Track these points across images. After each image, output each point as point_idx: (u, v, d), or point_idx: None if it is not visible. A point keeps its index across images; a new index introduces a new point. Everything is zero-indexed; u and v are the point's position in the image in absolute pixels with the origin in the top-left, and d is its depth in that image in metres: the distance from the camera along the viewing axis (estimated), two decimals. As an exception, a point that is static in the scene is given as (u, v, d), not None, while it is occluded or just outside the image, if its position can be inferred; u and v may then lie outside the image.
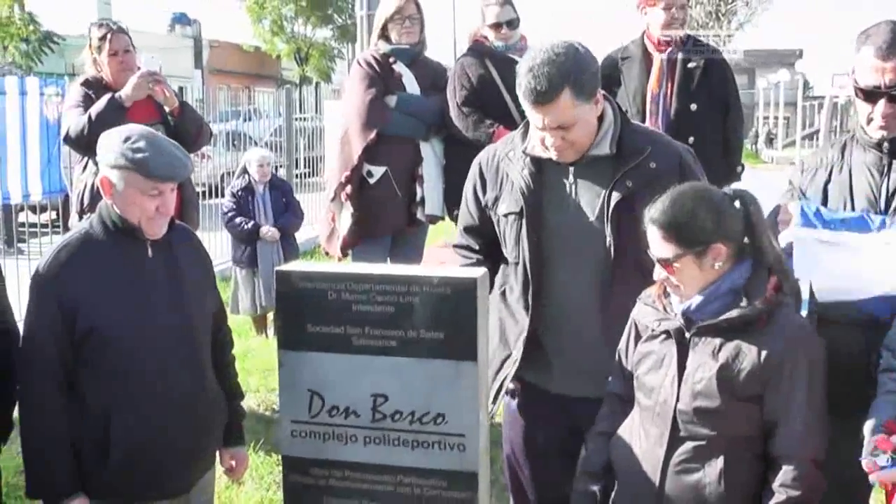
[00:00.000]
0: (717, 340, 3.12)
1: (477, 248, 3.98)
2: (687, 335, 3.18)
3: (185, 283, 3.58)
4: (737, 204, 3.17)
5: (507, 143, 3.83)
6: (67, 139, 5.71)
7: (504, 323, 3.84)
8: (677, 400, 3.15)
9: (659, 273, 3.19)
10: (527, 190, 3.64)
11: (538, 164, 3.66)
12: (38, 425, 3.38)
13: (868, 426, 3.03)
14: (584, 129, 3.52)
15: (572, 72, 3.40)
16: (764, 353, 3.04)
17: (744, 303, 3.10)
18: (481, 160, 3.90)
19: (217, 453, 3.87)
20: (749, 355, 3.05)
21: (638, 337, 3.40)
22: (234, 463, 3.93)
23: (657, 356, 3.27)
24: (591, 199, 3.61)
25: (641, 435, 3.32)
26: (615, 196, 3.53)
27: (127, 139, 3.38)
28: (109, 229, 3.44)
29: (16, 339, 3.49)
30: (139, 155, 3.32)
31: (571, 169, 3.62)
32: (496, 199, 3.78)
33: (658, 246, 3.14)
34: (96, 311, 3.35)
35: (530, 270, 3.66)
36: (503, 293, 3.84)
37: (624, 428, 3.43)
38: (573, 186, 3.63)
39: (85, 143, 5.42)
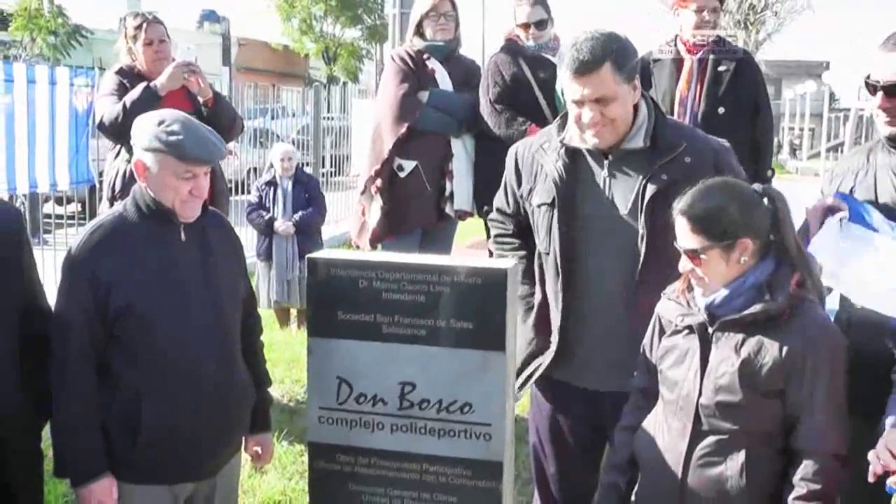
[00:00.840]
0: (740, 336, 3.12)
1: (519, 239, 4.02)
2: (710, 330, 3.19)
3: (218, 268, 3.59)
4: (765, 201, 3.18)
5: (543, 135, 3.85)
6: (101, 126, 5.75)
7: (540, 310, 3.86)
8: (700, 394, 3.16)
9: (685, 265, 3.20)
10: (560, 180, 3.65)
11: (573, 156, 3.68)
12: (68, 404, 3.39)
13: (889, 422, 3.03)
14: (622, 108, 3.54)
15: (615, 49, 3.48)
16: (786, 348, 3.04)
17: (767, 298, 3.11)
18: (517, 152, 3.92)
19: (243, 439, 3.88)
20: (771, 350, 3.06)
21: (662, 332, 3.41)
22: (259, 449, 3.94)
23: (680, 351, 3.27)
24: (625, 191, 3.62)
25: (664, 429, 3.33)
26: (650, 188, 3.54)
27: (161, 122, 3.40)
28: (143, 212, 3.46)
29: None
30: (173, 138, 3.35)
31: (606, 162, 3.64)
32: (530, 191, 3.80)
33: (686, 237, 3.15)
34: (129, 291, 3.37)
35: (560, 261, 3.68)
36: (542, 280, 3.85)
37: (647, 422, 3.44)
38: (607, 179, 3.65)
39: (118, 131, 5.46)
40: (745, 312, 3.09)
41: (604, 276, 3.67)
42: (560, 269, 3.69)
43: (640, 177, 3.58)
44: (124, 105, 5.52)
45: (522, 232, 3.96)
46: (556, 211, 3.66)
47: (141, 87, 5.55)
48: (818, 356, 3.05)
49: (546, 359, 3.80)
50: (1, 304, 3.31)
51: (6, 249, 3.36)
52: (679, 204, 3.18)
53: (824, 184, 3.75)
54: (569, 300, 3.71)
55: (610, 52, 3.46)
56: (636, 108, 3.63)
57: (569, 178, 3.66)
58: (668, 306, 3.37)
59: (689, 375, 3.21)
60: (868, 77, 3.41)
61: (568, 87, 3.54)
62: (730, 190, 3.19)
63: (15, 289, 3.39)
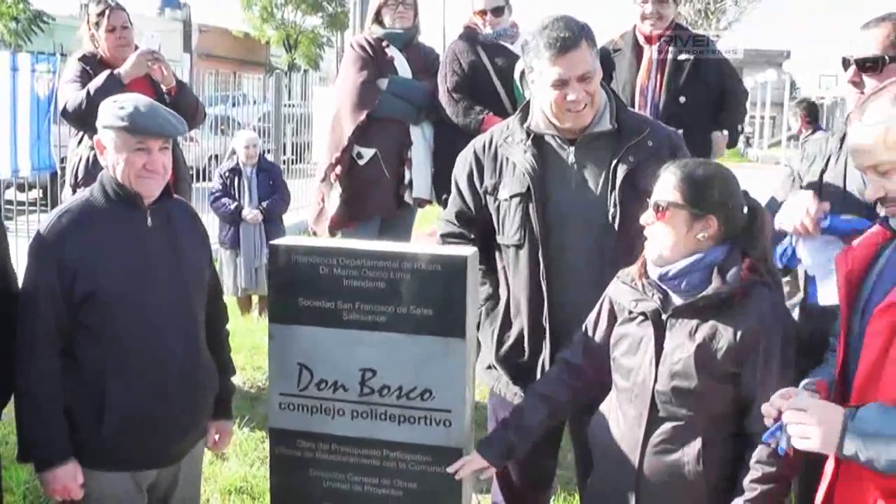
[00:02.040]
0: (694, 321, 3.15)
1: (472, 236, 3.96)
2: (664, 317, 3.22)
3: (184, 254, 3.61)
4: (745, 209, 3.22)
5: (504, 129, 3.85)
6: (65, 113, 5.75)
7: (509, 304, 3.85)
8: (655, 381, 3.19)
9: (647, 217, 3.20)
10: (532, 170, 3.67)
11: (539, 145, 3.71)
12: (33, 387, 3.39)
13: (803, 383, 3.05)
14: (597, 86, 3.60)
15: (585, 27, 3.56)
16: (740, 331, 3.07)
17: (718, 281, 3.13)
18: (476, 148, 3.91)
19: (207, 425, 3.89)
20: (725, 335, 3.09)
21: (612, 314, 3.43)
22: (217, 437, 3.96)
23: (634, 338, 3.29)
24: (594, 174, 3.66)
25: (619, 416, 3.35)
26: (621, 169, 3.58)
27: (116, 101, 3.49)
28: (110, 197, 3.48)
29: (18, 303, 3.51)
30: (124, 111, 3.40)
31: (572, 148, 3.67)
32: (496, 185, 3.80)
33: (665, 189, 3.16)
34: (95, 275, 3.37)
35: (541, 250, 3.67)
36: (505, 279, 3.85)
37: (601, 409, 3.47)
38: (575, 163, 3.67)
39: (82, 118, 5.48)
40: (699, 296, 3.12)
41: (577, 259, 3.67)
42: (541, 258, 3.68)
43: (609, 159, 3.62)
44: (88, 92, 5.51)
45: (484, 240, 3.90)
46: (531, 201, 3.66)
47: (104, 74, 5.55)
48: (770, 338, 3.08)
49: (546, 354, 3.75)
50: None
51: None
52: (672, 164, 3.22)
53: (794, 160, 3.79)
54: (555, 287, 3.70)
55: (583, 28, 3.54)
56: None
57: (539, 166, 3.68)
58: (622, 290, 3.38)
59: (644, 363, 3.23)
60: (843, 56, 3.47)
61: (548, 70, 3.53)
62: (722, 173, 3.22)
63: None
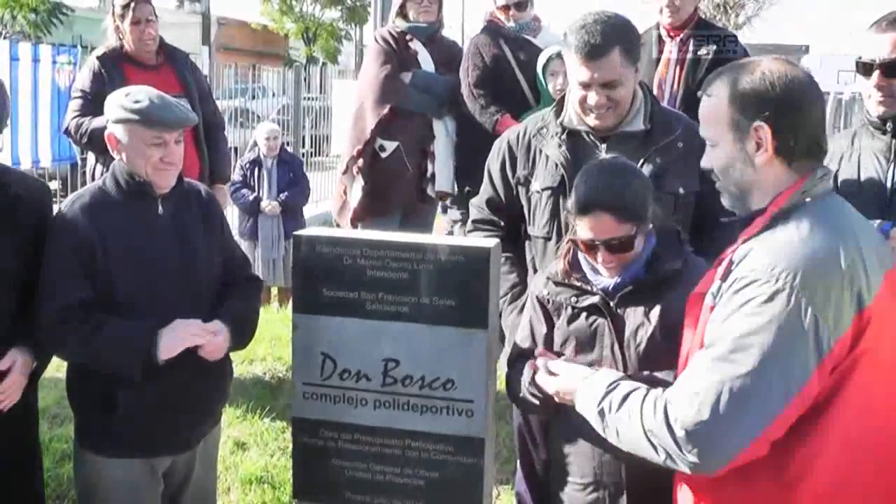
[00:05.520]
0: (644, 304, 3.17)
1: (501, 223, 4.04)
2: (612, 304, 3.22)
3: (194, 242, 3.64)
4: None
5: (538, 121, 3.90)
6: (67, 132, 5.94)
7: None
8: (625, 368, 3.15)
9: (609, 258, 3.17)
10: (566, 164, 3.70)
11: (573, 140, 3.74)
12: (83, 345, 3.39)
13: None
14: (626, 92, 3.61)
15: (623, 32, 3.54)
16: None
17: (657, 264, 3.19)
18: (510, 138, 3.96)
19: (223, 412, 3.91)
20: (677, 307, 2.99)
21: (547, 315, 3.41)
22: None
23: (584, 334, 3.28)
24: None
25: None
26: (646, 170, 3.59)
27: (127, 94, 3.50)
28: (121, 186, 3.52)
29: None
30: (138, 105, 3.43)
31: (604, 146, 3.70)
32: (528, 177, 3.85)
33: (612, 228, 3.12)
34: (107, 263, 3.42)
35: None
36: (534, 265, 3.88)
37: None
38: None
39: (81, 146, 5.83)
40: (641, 280, 3.17)
41: None
42: None
43: (637, 159, 3.62)
44: (90, 131, 5.65)
45: (514, 229, 3.95)
46: (563, 195, 3.67)
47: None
48: None
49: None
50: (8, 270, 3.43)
51: (36, 220, 3.52)
52: (593, 196, 3.13)
53: None
54: None
55: (619, 35, 3.52)
56: (633, 90, 3.69)
57: (572, 161, 3.70)
58: (557, 290, 3.37)
59: (605, 353, 3.22)
60: (860, 58, 3.45)
61: (575, 70, 3.58)
62: (640, 178, 3.24)
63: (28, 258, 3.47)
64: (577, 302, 3.29)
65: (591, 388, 2.82)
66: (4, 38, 18.32)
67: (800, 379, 2.34)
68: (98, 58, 5.91)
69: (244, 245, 9.25)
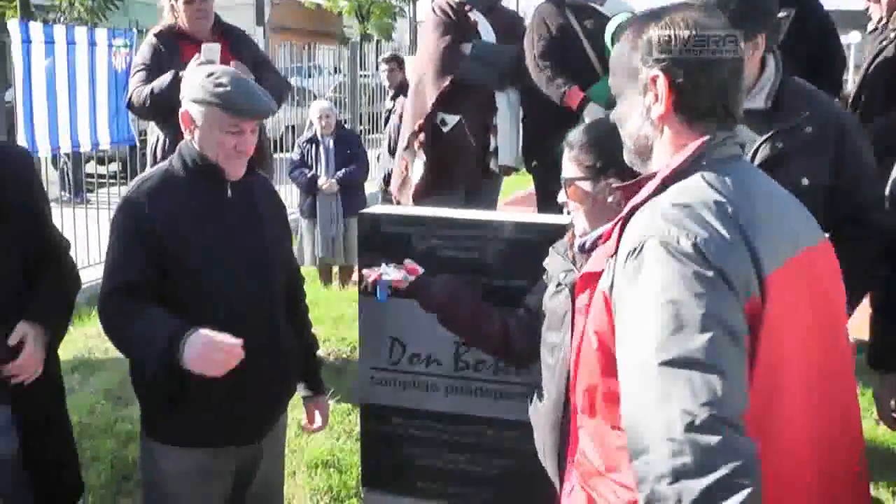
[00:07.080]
0: None
1: None
2: None
3: (264, 228, 3.50)
4: None
5: None
6: (130, 105, 5.87)
7: None
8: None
9: (562, 196, 3.04)
10: None
11: None
12: (114, 334, 3.30)
13: None
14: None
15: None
16: None
17: None
18: None
19: (289, 403, 3.80)
20: None
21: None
22: (315, 413, 3.83)
23: (556, 313, 3.09)
24: None
25: (544, 394, 3.13)
26: (762, 153, 3.31)
27: (210, 74, 3.33)
28: (189, 168, 3.38)
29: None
30: (221, 89, 3.27)
31: None
32: None
33: (566, 167, 3.01)
34: (176, 245, 3.29)
35: None
36: None
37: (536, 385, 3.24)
38: None
39: (145, 115, 5.68)
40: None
41: None
42: None
43: (756, 139, 3.33)
44: (152, 91, 5.56)
45: None
46: None
47: (170, 75, 5.52)
48: None
49: None
50: (14, 249, 3.31)
51: (21, 195, 3.36)
52: (571, 136, 3.02)
53: None
54: None
55: (726, 4, 3.06)
56: (762, 63, 3.36)
57: None
58: (556, 261, 3.20)
59: (566, 339, 3.01)
60: None
61: None
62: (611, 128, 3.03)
63: (30, 233, 3.37)
64: (563, 277, 3.10)
65: None
66: (62, 23, 18.48)
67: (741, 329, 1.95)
68: (155, 35, 5.90)
69: (304, 224, 9.24)
